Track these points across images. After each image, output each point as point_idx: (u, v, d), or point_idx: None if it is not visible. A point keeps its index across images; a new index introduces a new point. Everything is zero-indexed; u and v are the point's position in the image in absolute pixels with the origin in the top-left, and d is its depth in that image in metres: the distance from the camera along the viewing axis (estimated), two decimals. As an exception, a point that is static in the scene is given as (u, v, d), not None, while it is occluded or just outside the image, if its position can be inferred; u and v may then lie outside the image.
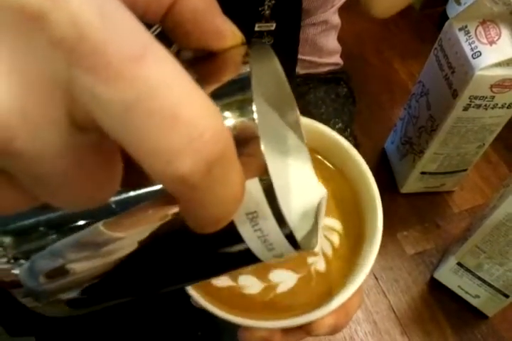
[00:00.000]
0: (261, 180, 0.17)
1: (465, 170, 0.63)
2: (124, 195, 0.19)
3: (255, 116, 0.17)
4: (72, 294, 0.22)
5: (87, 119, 0.14)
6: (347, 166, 0.33)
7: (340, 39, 0.55)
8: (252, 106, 0.17)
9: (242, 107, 0.17)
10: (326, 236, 0.33)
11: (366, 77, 0.81)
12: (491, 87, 0.48)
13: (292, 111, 0.27)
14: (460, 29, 0.50)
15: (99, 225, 0.19)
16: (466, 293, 0.57)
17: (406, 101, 0.64)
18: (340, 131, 0.48)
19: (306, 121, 0.33)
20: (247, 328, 0.29)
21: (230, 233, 0.19)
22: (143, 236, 0.20)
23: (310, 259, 0.32)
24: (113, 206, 0.19)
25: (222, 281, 0.31)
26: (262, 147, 0.17)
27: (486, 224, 0.49)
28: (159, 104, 0.13)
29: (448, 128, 0.54)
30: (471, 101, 0.50)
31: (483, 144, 0.58)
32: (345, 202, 0.34)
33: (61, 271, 0.21)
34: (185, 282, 0.24)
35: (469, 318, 0.57)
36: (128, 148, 0.13)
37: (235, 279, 0.31)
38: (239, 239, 0.19)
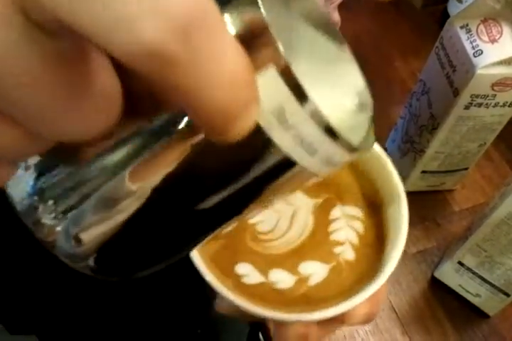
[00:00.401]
0: (278, 68, 0.15)
1: (466, 168, 0.63)
2: (138, 135, 0.18)
3: (259, 2, 0.15)
4: (93, 257, 0.21)
5: (42, 13, 0.12)
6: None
7: (340, 37, 0.55)
8: None
9: None
10: (349, 225, 0.33)
11: (366, 75, 0.81)
12: (492, 85, 0.48)
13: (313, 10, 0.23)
14: (461, 27, 0.49)
15: (126, 175, 0.18)
16: (467, 291, 0.57)
17: (406, 99, 0.64)
18: None
19: None
20: (281, 325, 0.29)
21: (260, 141, 0.17)
22: (169, 172, 0.18)
23: (337, 249, 0.32)
24: (130, 149, 0.18)
25: (252, 278, 0.30)
26: (273, 33, 0.15)
27: (487, 223, 0.48)
28: None
29: (449, 127, 0.54)
30: (472, 100, 0.50)
31: (485, 143, 0.58)
32: (366, 190, 0.34)
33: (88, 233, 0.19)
34: (226, 218, 0.21)
35: (470, 317, 0.57)
36: (85, 30, 0.11)
37: (265, 275, 0.30)
38: (273, 146, 0.17)
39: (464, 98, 0.50)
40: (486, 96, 0.50)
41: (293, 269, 0.31)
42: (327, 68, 0.24)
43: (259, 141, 0.17)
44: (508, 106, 0.51)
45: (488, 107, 0.51)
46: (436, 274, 0.59)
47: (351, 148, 0.18)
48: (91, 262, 0.21)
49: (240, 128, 0.14)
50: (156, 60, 0.12)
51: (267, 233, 0.32)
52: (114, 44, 0.11)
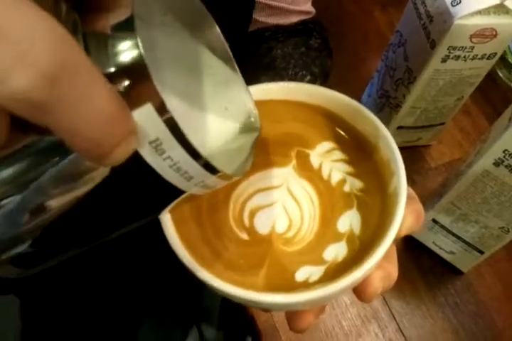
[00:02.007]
0: (154, 105, 0.17)
1: (443, 123, 0.61)
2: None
3: (138, 39, 0.16)
4: (22, 247, 0.22)
5: None
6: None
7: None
8: (134, 30, 0.16)
9: (124, 34, 0.17)
10: (332, 160, 0.31)
11: (344, 26, 0.78)
12: (471, 36, 0.46)
13: (209, 28, 0.25)
14: (439, -26, 0.46)
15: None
16: (441, 249, 0.56)
17: (384, 52, 0.62)
18: None
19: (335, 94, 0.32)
20: (363, 282, 0.28)
21: (142, 167, 0.19)
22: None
23: (346, 187, 0.31)
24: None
25: (316, 274, 0.28)
26: (150, 72, 0.16)
27: (462, 181, 0.47)
28: None
29: (425, 81, 0.52)
30: (449, 52, 0.48)
31: (462, 97, 0.56)
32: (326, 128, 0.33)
33: (40, 209, 0.21)
34: (124, 224, 0.23)
35: (444, 274, 0.57)
36: None
37: (323, 262, 0.28)
38: (152, 171, 0.19)
39: (441, 50, 0.48)
40: (464, 48, 0.47)
41: (338, 235, 0.29)
42: (208, 91, 0.26)
43: (140, 165, 0.19)
44: (487, 58, 0.49)
45: (466, 60, 0.49)
46: (411, 232, 0.58)
47: (225, 176, 0.21)
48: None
49: (116, 157, 0.16)
50: (28, 106, 0.13)
51: (290, 227, 0.29)
52: None
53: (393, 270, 0.29)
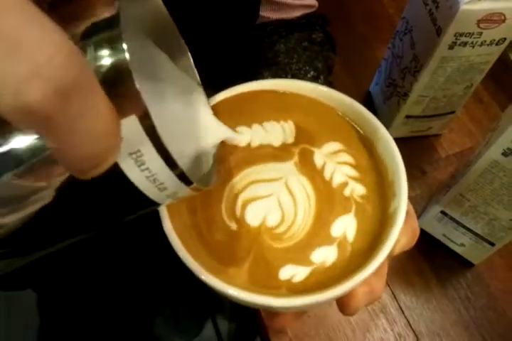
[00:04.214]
0: (139, 117, 0.17)
1: (453, 112, 0.60)
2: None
3: (126, 53, 0.16)
4: None
5: None
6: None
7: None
8: (121, 43, 0.16)
9: (112, 45, 0.16)
10: (337, 162, 0.31)
11: (351, 12, 0.76)
12: (478, 22, 0.44)
13: (181, 52, 0.26)
14: (445, -43, 0.45)
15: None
16: (451, 241, 0.55)
17: (391, 39, 0.60)
18: (313, 80, 0.45)
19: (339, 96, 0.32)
20: (347, 296, 0.27)
21: (118, 176, 0.19)
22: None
23: (346, 191, 0.30)
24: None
25: (301, 274, 0.27)
26: (137, 84, 0.16)
27: (471, 172, 0.46)
28: None
29: (432, 69, 0.50)
30: (456, 39, 0.46)
31: (472, 85, 0.54)
32: (334, 127, 0.32)
33: None
34: (87, 230, 0.24)
35: (454, 266, 0.55)
36: None
37: (310, 263, 0.28)
38: (128, 182, 0.19)
39: (448, 37, 0.46)
40: (471, 35, 0.45)
41: (330, 238, 0.28)
42: (185, 108, 0.26)
43: (115, 175, 0.18)
44: (496, 44, 0.47)
45: (474, 46, 0.47)
46: (420, 223, 0.56)
47: (197, 188, 0.21)
48: None
49: (98, 170, 0.15)
50: (35, 117, 0.13)
51: (281, 222, 0.29)
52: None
53: (379, 286, 0.29)
